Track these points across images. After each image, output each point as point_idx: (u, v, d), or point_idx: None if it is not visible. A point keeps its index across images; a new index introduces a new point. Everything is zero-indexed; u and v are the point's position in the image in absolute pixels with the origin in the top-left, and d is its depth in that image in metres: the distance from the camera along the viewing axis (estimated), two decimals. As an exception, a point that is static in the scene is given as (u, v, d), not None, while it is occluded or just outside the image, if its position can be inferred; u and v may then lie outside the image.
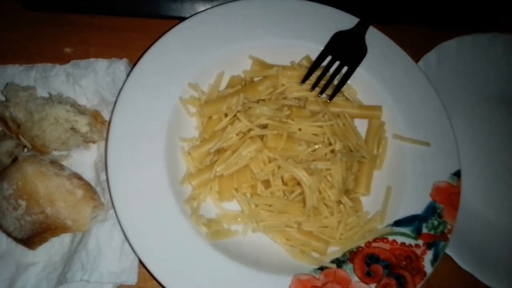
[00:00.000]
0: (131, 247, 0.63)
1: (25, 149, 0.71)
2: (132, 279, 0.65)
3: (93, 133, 0.73)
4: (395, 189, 0.71)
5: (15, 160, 0.68)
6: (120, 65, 0.78)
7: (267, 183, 0.69)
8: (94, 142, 0.75)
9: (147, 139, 0.68)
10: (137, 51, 0.78)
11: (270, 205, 0.68)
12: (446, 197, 0.69)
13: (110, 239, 0.66)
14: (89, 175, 0.73)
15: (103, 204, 0.67)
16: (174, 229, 0.65)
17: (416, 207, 0.68)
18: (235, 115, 0.69)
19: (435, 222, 0.67)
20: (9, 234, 0.65)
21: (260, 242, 0.69)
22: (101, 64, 0.77)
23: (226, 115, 0.71)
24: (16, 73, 0.76)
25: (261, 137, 0.68)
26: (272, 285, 0.63)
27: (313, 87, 0.74)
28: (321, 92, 0.75)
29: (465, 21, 0.90)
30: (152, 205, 0.64)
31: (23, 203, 0.62)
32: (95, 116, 0.75)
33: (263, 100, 0.73)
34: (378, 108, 0.75)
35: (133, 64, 0.74)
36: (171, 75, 0.72)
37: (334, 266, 0.66)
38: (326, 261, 0.66)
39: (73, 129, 0.71)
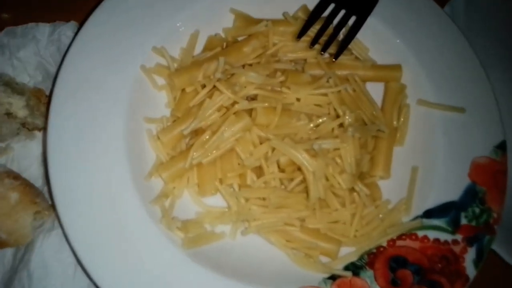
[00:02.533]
0: (82, 267, 0.48)
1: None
2: (91, 302, 0.51)
3: (36, 118, 0.59)
4: (422, 169, 0.58)
5: None
6: (67, 30, 0.64)
7: (259, 171, 0.57)
8: (39, 130, 0.60)
9: (101, 122, 0.55)
10: (85, 13, 0.61)
11: (264, 199, 0.55)
12: (489, 177, 0.56)
13: (60, 253, 0.53)
14: (34, 171, 0.59)
15: (50, 208, 0.54)
16: (140, 238, 0.51)
17: (451, 192, 0.56)
18: (214, 86, 0.56)
19: (477, 210, 0.55)
20: None
21: (254, 246, 0.56)
22: (42, 30, 0.64)
23: (203, 86, 0.58)
24: None
25: (249, 112, 0.56)
26: (270, 304, 0.49)
27: (312, 44, 0.59)
28: (323, 50, 0.60)
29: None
30: (109, 208, 0.52)
31: None
32: (38, 96, 0.61)
33: (250, 65, 0.60)
34: (397, 67, 0.61)
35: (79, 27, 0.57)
36: (129, 37, 0.58)
37: (349, 274, 0.53)
38: (338, 267, 0.54)
39: (8, 114, 0.55)
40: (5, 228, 0.51)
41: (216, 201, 0.57)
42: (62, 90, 0.55)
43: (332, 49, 0.61)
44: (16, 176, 0.53)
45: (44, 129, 0.57)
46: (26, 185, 0.53)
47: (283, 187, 0.57)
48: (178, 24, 0.61)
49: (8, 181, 0.51)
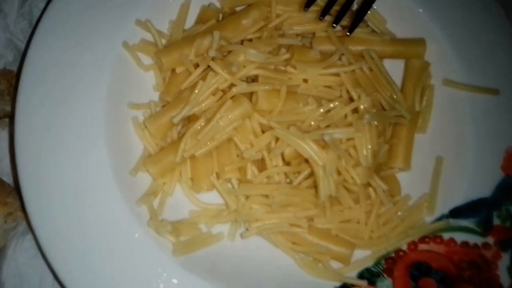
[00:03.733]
0: (57, 278, 0.42)
1: None
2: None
3: (6, 104, 0.52)
4: (448, 160, 0.53)
5: None
6: (39, 2, 0.58)
7: (261, 164, 0.51)
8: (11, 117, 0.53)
9: (77, 109, 0.48)
10: None
11: (267, 196, 0.49)
12: None
13: (36, 259, 0.48)
14: (6, 166, 0.54)
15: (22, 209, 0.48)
16: (124, 244, 0.45)
17: (482, 187, 0.51)
18: (208, 65, 0.49)
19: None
20: None
21: (255, 249, 0.50)
22: (10, 2, 0.57)
23: (197, 65, 0.51)
24: None
25: (249, 96, 0.50)
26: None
27: (322, 15, 0.52)
28: (335, 23, 0.52)
29: None
30: (87, 209, 0.46)
31: None
32: (9, 78, 0.55)
33: (250, 40, 0.53)
34: (420, 42, 0.55)
35: (51, -4, 0.50)
36: (109, 9, 0.51)
37: (364, 283, 0.47)
38: (351, 274, 0.49)
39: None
40: (-30, 232, 0.44)
41: (213, 198, 0.52)
42: (32, 72, 0.48)
43: (345, 20, 0.54)
44: (-18, 172, 0.46)
45: (11, 116, 0.50)
46: (-6, 182, 0.47)
47: (288, 181, 0.51)
48: None
49: (-28, 179, 0.45)
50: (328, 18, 0.53)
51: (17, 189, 0.49)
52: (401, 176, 0.53)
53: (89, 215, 0.45)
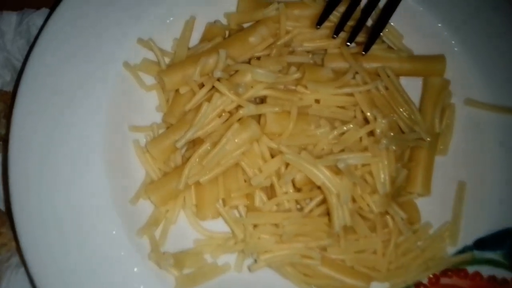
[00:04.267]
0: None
1: None
2: None
3: (1, 127, 0.49)
4: (471, 186, 0.50)
5: None
6: (37, 19, 0.56)
7: (270, 190, 0.48)
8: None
9: (75, 132, 0.46)
10: None
11: (277, 225, 0.46)
12: None
13: None
14: None
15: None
16: (123, 280, 0.42)
17: (509, 216, 0.48)
18: (214, 86, 0.47)
19: None
20: None
21: (264, 281, 0.47)
22: (8, 20, 0.55)
23: (202, 86, 0.49)
24: None
25: (257, 118, 0.47)
26: None
27: (336, 33, 0.49)
28: (350, 41, 0.49)
29: None
30: (85, 240, 0.43)
31: None
32: (5, 100, 0.53)
33: (258, 58, 0.50)
34: (439, 58, 0.52)
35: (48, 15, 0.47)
36: (109, 27, 0.49)
37: None
38: None
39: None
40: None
41: (219, 225, 0.49)
42: (28, 93, 0.46)
43: (360, 36, 0.50)
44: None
45: (6, 140, 0.48)
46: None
47: (299, 207, 0.48)
48: (169, 10, 0.51)
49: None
50: (342, 35, 0.50)
51: (10, 217, 0.46)
52: (421, 202, 0.50)
53: (86, 247, 0.42)
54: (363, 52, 0.48)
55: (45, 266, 0.42)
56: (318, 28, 0.49)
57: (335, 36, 0.48)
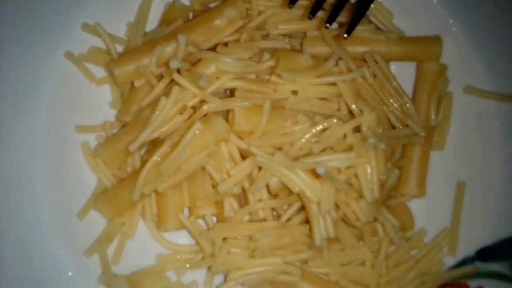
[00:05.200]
0: None
1: None
2: None
3: None
4: (472, 186, 0.46)
5: None
6: None
7: (242, 197, 0.43)
8: None
9: (9, 133, 0.40)
10: None
11: (250, 237, 0.41)
12: None
13: None
14: None
15: None
16: None
17: None
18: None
19: None
20: None
21: None
22: None
23: (161, 77, 0.43)
24: None
25: (224, 114, 0.42)
26: None
27: (313, 13, 0.43)
28: (329, 22, 0.43)
29: None
30: (25, 262, 0.38)
31: None
32: None
33: (225, 44, 0.44)
34: (435, 40, 0.47)
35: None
36: (48, 11, 0.43)
37: None
38: None
39: None
40: None
41: (185, 238, 0.44)
42: None
43: (342, 16, 0.45)
44: None
45: None
46: None
47: (275, 214, 0.43)
48: None
49: None
50: (320, 14, 0.44)
51: None
52: (414, 205, 0.45)
53: (27, 268, 0.37)
54: (345, 35, 0.42)
55: None
56: (291, 7, 0.42)
57: (311, 16, 0.42)
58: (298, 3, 0.43)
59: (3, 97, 0.40)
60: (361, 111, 0.41)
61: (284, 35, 0.47)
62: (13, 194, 0.38)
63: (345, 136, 0.41)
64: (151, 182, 0.39)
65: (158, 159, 0.39)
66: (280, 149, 0.41)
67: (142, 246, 0.43)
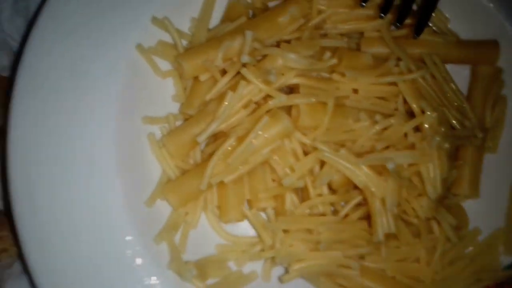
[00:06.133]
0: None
1: None
2: None
3: None
4: None
5: None
6: None
7: (302, 192, 0.43)
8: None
9: (81, 124, 0.41)
10: None
11: (310, 231, 0.41)
12: None
13: None
14: None
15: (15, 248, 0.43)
16: None
17: None
18: (239, 72, 0.42)
19: None
20: None
21: None
22: None
23: (224, 72, 0.44)
24: None
25: (288, 110, 0.42)
26: None
27: (384, 12, 0.44)
28: (400, 22, 0.44)
29: None
30: (94, 248, 0.39)
31: None
32: (2, 86, 0.47)
33: (288, 41, 0.45)
34: (491, 44, 0.48)
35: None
36: (118, 4, 0.44)
37: None
38: None
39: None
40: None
41: (244, 229, 0.45)
42: (28, 79, 0.41)
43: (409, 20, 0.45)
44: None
45: (3, 132, 0.43)
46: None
47: (332, 209, 0.43)
48: None
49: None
50: (387, 16, 0.44)
51: (9, 218, 0.42)
52: (468, 206, 0.45)
53: (96, 254, 0.38)
54: (416, 35, 0.42)
55: (49, 275, 0.38)
56: (363, 6, 0.43)
57: (383, 15, 0.42)
58: (369, 2, 0.44)
59: (74, 85, 0.40)
60: (422, 111, 0.41)
61: (343, 35, 0.47)
62: (84, 182, 0.39)
63: (405, 135, 0.41)
64: (218, 173, 0.41)
65: (229, 148, 0.40)
66: (343, 146, 0.41)
67: (204, 237, 0.43)
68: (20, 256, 0.42)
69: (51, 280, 0.38)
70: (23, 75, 0.41)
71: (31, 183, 0.39)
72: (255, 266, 0.43)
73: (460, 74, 0.47)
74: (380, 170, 0.39)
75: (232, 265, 0.43)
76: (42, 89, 0.41)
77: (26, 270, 0.41)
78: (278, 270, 0.43)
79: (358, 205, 0.43)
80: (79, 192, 0.39)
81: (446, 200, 0.44)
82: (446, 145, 0.39)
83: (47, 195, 0.39)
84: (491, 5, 0.47)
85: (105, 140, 0.41)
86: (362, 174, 0.39)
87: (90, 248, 0.38)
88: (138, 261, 0.38)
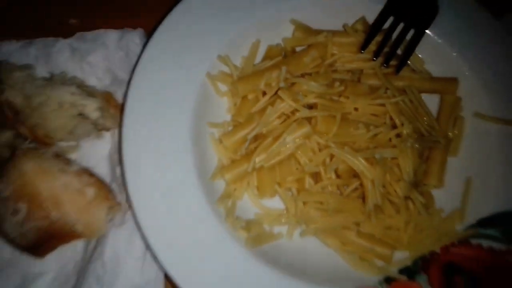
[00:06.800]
0: (154, 257, 0.51)
1: (28, 141, 0.60)
2: (158, 292, 0.54)
3: (106, 119, 0.61)
4: (476, 180, 0.60)
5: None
6: (134, 37, 0.67)
7: (317, 176, 0.58)
8: (107, 130, 0.63)
9: (170, 125, 0.57)
10: (152, 21, 0.64)
11: (322, 203, 0.57)
12: None
13: (130, 246, 0.56)
14: (102, 169, 0.61)
15: (120, 204, 0.58)
16: (206, 234, 0.53)
17: (505, 203, 0.57)
18: (275, 93, 0.59)
19: None
20: (11, 241, 0.54)
21: (310, 247, 0.58)
22: (111, 36, 0.66)
23: (264, 93, 0.60)
24: (12, 50, 0.65)
25: (309, 120, 0.57)
26: (330, 303, 0.51)
27: (376, 56, 0.61)
28: (386, 63, 0.61)
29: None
30: (178, 205, 0.54)
31: (23, 207, 0.51)
32: (107, 98, 0.63)
33: (309, 74, 0.61)
34: (453, 80, 0.63)
35: (148, 35, 0.61)
36: (195, 46, 0.61)
37: (404, 277, 0.54)
38: (393, 270, 0.55)
39: (81, 115, 0.60)
40: (82, 221, 0.54)
41: (274, 203, 0.59)
42: (135, 95, 0.57)
43: (393, 62, 0.62)
44: (90, 173, 0.56)
45: (112, 129, 0.60)
46: (100, 182, 0.57)
47: (338, 192, 0.59)
48: (240, 34, 0.63)
49: (85, 177, 0.55)
50: (378, 58, 0.62)
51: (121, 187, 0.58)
52: (435, 192, 0.59)
53: (181, 212, 0.53)
54: (396, 73, 0.60)
55: (152, 225, 0.52)
56: (362, 52, 0.61)
57: (375, 58, 0.61)
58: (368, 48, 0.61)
59: (166, 100, 0.57)
60: (402, 124, 0.57)
61: (348, 71, 0.62)
62: (173, 164, 0.54)
63: (390, 139, 0.57)
64: (261, 160, 0.57)
65: (267, 144, 0.57)
66: (346, 145, 0.56)
67: (246, 207, 0.58)
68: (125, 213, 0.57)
69: (154, 229, 0.52)
70: (132, 93, 0.57)
71: (138, 167, 0.54)
72: (281, 230, 0.58)
73: (432, 100, 0.63)
74: (371, 161, 0.55)
75: (266, 227, 0.58)
76: (144, 103, 0.56)
77: (124, 221, 0.57)
78: (297, 232, 0.58)
79: (356, 189, 0.57)
80: (168, 170, 0.54)
81: (419, 188, 0.59)
82: (417, 146, 0.55)
83: (149, 173, 0.54)
84: (454, 54, 0.62)
85: (185, 137, 0.56)
86: (359, 163, 0.54)
87: (178, 206, 0.53)
88: (206, 214, 0.54)
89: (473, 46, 0.63)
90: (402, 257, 0.56)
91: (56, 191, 0.52)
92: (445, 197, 0.59)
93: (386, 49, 0.62)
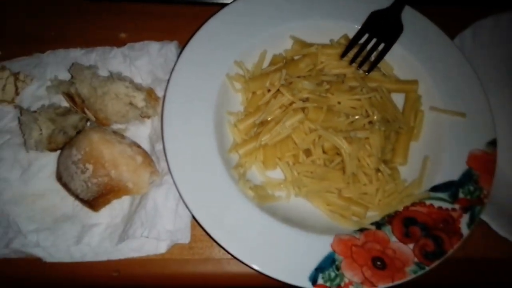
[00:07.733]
0: (187, 207, 0.69)
1: (88, 123, 0.79)
2: (186, 238, 0.71)
3: (148, 109, 0.79)
4: (432, 158, 0.73)
5: (79, 133, 0.75)
6: (171, 47, 0.84)
7: (308, 152, 0.72)
8: (148, 117, 0.80)
9: (198, 113, 0.72)
10: (185, 35, 0.82)
11: (312, 172, 0.72)
12: (482, 164, 0.71)
13: (166, 201, 0.72)
14: (144, 146, 0.79)
15: (158, 171, 0.72)
16: (224, 192, 0.69)
17: (453, 174, 0.71)
18: (278, 90, 0.73)
19: (471, 188, 0.70)
20: (76, 196, 0.72)
21: (303, 206, 0.74)
22: (154, 46, 0.83)
23: (269, 90, 0.75)
24: (78, 56, 0.84)
25: (303, 109, 0.71)
26: (316, 244, 0.67)
27: (351, 62, 0.78)
28: (359, 67, 0.79)
29: (501, -1, 0.92)
30: (204, 171, 0.68)
31: (90, 166, 0.69)
32: (149, 93, 0.80)
33: (304, 76, 0.75)
34: (414, 82, 0.77)
35: (183, 46, 0.79)
36: (218, 54, 0.76)
37: (373, 227, 0.70)
38: (365, 223, 0.70)
39: (131, 104, 0.78)
40: (132, 180, 0.72)
41: (276, 175, 0.74)
42: (172, 90, 0.72)
43: (366, 66, 0.78)
44: (139, 146, 0.74)
45: (152, 117, 0.79)
46: (145, 152, 0.75)
47: (325, 166, 0.76)
48: (252, 46, 0.78)
49: (135, 147, 0.73)
50: (354, 64, 0.78)
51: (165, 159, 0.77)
52: (401, 169, 0.72)
53: (206, 175, 0.68)
54: (366, 73, 0.79)
55: (185, 184, 0.67)
56: (341, 59, 0.80)
57: (351, 64, 0.79)
58: (344, 58, 0.81)
59: (195, 94, 0.75)
60: (373, 113, 0.74)
61: (334, 74, 0.75)
62: (200, 141, 0.70)
63: (364, 124, 0.74)
64: (266, 139, 0.75)
65: (270, 127, 0.75)
66: (330, 128, 0.75)
67: (253, 176, 0.74)
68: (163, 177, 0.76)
69: (186, 185, 0.66)
70: (170, 89, 0.71)
71: (175, 142, 0.68)
72: (281, 194, 0.74)
73: (399, 98, 0.78)
74: (349, 140, 0.71)
75: (269, 191, 0.75)
76: (180, 95, 0.71)
77: (162, 183, 0.76)
78: (293, 196, 0.76)
79: (338, 163, 0.73)
80: (197, 146, 0.69)
81: (388, 164, 0.77)
82: (383, 129, 0.73)
83: (183, 146, 0.67)
84: (416, 62, 0.79)
85: (209, 122, 0.72)
86: (340, 141, 0.70)
87: (205, 171, 0.69)
88: (224, 177, 0.70)
89: (429, 56, 0.77)
90: (373, 215, 0.73)
91: (115, 156, 0.70)
92: (408, 171, 0.73)
93: (362, 58, 0.80)
